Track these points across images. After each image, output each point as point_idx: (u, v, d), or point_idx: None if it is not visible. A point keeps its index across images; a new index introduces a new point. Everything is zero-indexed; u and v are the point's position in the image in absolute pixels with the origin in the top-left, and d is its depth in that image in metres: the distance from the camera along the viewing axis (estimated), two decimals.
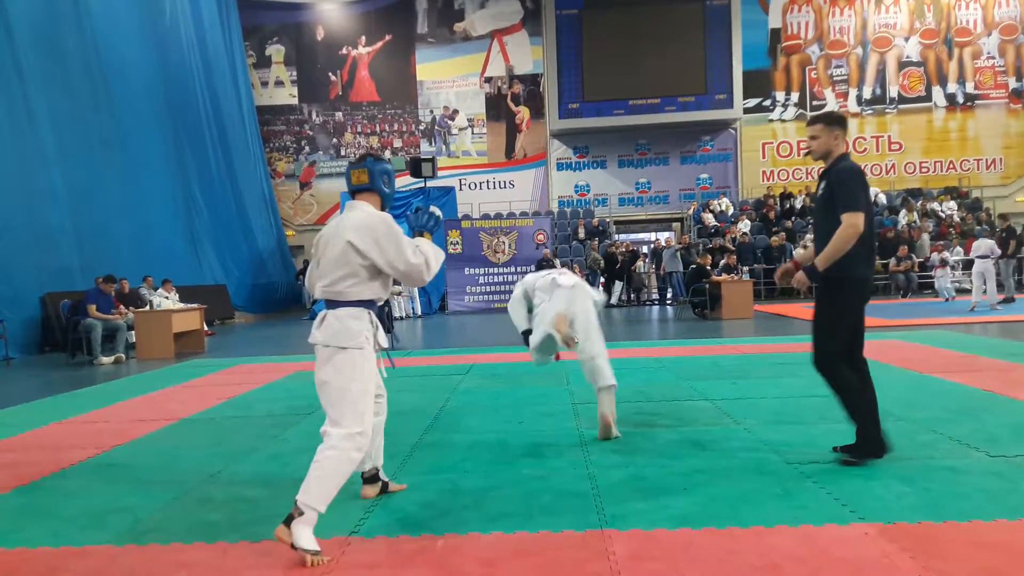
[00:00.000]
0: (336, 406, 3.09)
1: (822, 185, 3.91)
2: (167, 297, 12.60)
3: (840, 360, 3.84)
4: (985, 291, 13.36)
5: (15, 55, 12.41)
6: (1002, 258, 14.24)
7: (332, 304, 3.19)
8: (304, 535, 2.88)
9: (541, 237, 19.16)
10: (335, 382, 3.11)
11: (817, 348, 3.89)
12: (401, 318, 16.95)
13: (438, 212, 3.67)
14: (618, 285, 19.23)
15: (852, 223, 3.65)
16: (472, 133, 24.36)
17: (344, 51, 24.32)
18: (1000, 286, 14.34)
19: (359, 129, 24.50)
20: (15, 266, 11.87)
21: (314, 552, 2.86)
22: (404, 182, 23.18)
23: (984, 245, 13.52)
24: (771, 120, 23.55)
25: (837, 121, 3.95)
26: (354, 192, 3.38)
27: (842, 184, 3.75)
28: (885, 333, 10.09)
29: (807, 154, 4.11)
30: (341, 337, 3.13)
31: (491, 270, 18.69)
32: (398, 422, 5.40)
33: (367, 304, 3.22)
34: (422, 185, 20.99)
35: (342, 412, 3.08)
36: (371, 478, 3.65)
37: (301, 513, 2.92)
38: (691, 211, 22.23)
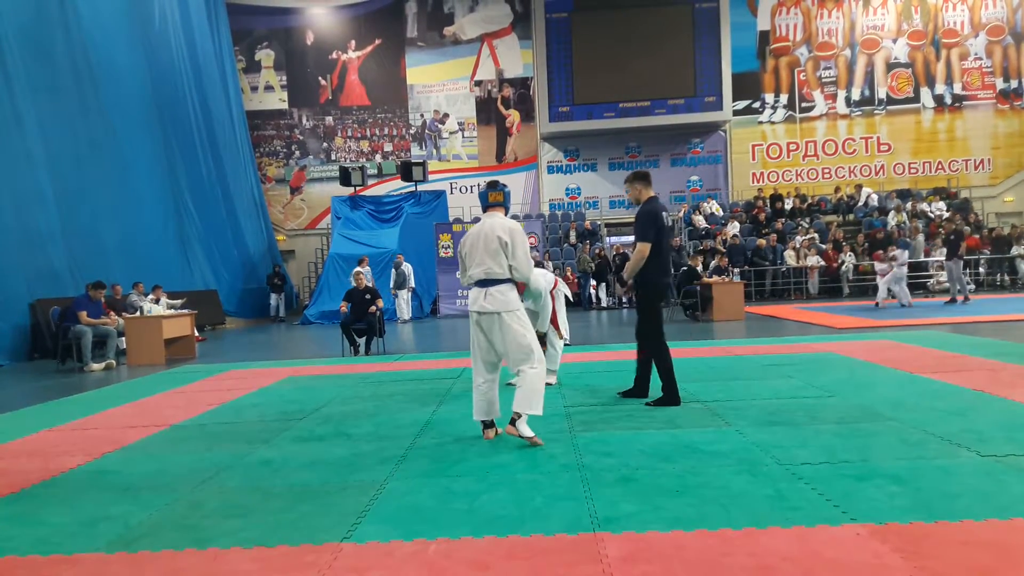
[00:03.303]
0: (522, 349, 4.58)
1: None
2: (157, 302, 12.53)
3: (658, 336, 5.58)
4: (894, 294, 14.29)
5: (2, 58, 12.34)
6: (950, 259, 14.57)
7: (489, 283, 4.64)
8: (526, 429, 4.55)
9: (532, 240, 19.18)
10: (515, 334, 4.59)
11: (639, 330, 5.74)
12: (405, 321, 16.95)
13: None
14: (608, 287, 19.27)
15: (640, 248, 5.46)
16: (463, 137, 24.37)
17: (334, 55, 24.30)
18: (952, 286, 14.84)
19: (349, 133, 24.47)
20: (3, 272, 11.79)
21: (533, 436, 4.55)
22: (395, 186, 23.25)
23: (904, 255, 14.38)
24: (760, 122, 23.65)
25: (638, 178, 5.68)
26: (489, 207, 4.89)
27: (639, 221, 5.53)
28: (874, 333, 10.14)
29: (629, 204, 5.69)
30: (510, 304, 4.62)
31: None
32: (390, 426, 5.41)
33: (512, 282, 4.68)
34: (413, 189, 21.03)
35: (527, 352, 4.59)
36: (489, 424, 4.87)
37: (519, 416, 4.54)
38: (681, 213, 22.29)
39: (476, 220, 21.47)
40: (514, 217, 21.87)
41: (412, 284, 17.42)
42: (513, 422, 4.57)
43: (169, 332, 11.01)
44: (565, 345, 7.27)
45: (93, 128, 14.87)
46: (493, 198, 4.90)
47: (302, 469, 4.31)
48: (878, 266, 15.32)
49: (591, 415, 5.46)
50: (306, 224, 24.56)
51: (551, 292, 6.74)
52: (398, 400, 6.52)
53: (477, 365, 4.81)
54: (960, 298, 14.49)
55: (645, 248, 5.40)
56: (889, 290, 14.35)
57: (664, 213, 5.56)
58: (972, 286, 18.62)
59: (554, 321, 6.83)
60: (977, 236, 19.39)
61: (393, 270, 17.15)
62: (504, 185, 5.01)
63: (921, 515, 3.12)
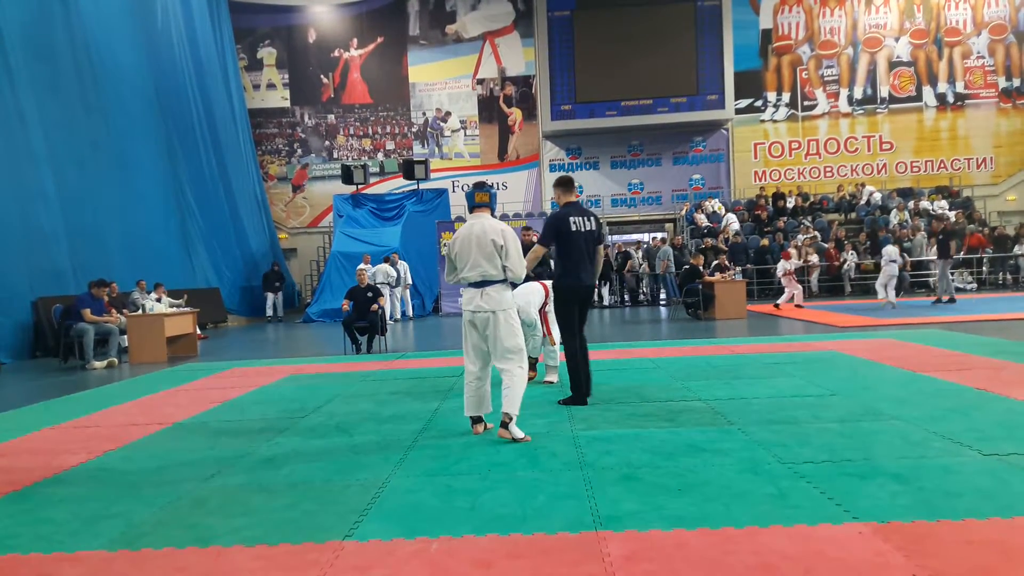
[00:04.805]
0: (509, 347, 4.74)
1: None
2: (159, 300, 12.53)
3: (572, 336, 5.78)
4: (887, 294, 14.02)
5: (5, 57, 12.33)
6: (941, 259, 14.47)
7: (485, 283, 4.76)
8: (518, 431, 4.69)
9: (535, 237, 19.12)
10: (506, 332, 4.74)
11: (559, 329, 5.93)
12: (397, 320, 16.88)
13: None
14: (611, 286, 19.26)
15: (534, 249, 5.68)
16: (465, 135, 24.36)
17: (336, 53, 24.29)
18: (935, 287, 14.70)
19: (351, 131, 24.47)
20: (6, 270, 11.79)
21: (524, 437, 4.66)
22: (397, 184, 23.25)
23: (891, 251, 14.26)
24: (763, 121, 23.61)
25: (558, 184, 5.90)
26: (475, 207, 5.01)
27: (544, 225, 5.90)
28: (876, 332, 10.13)
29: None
30: (504, 303, 4.78)
31: None
32: (392, 424, 5.41)
33: (506, 281, 4.83)
34: (415, 187, 21.02)
35: (513, 350, 4.76)
36: (478, 419, 5.00)
37: (511, 419, 4.68)
38: (684, 212, 22.27)
39: None
40: (516, 216, 21.89)
41: (409, 281, 17.30)
42: (505, 425, 4.70)
43: (171, 330, 11.01)
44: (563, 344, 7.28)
45: (95, 126, 14.87)
46: (480, 199, 5.03)
47: (304, 467, 4.31)
48: (783, 265, 14.95)
49: (593, 413, 5.46)
50: (308, 222, 24.56)
51: (543, 306, 6.85)
52: (400, 398, 6.52)
53: (469, 363, 4.92)
54: (945, 298, 14.39)
55: (539, 250, 5.70)
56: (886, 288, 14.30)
57: (578, 218, 5.66)
58: (974, 285, 18.64)
59: (548, 331, 6.89)
60: (979, 234, 19.35)
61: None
62: (491, 186, 5.12)
63: (923, 514, 3.12)
